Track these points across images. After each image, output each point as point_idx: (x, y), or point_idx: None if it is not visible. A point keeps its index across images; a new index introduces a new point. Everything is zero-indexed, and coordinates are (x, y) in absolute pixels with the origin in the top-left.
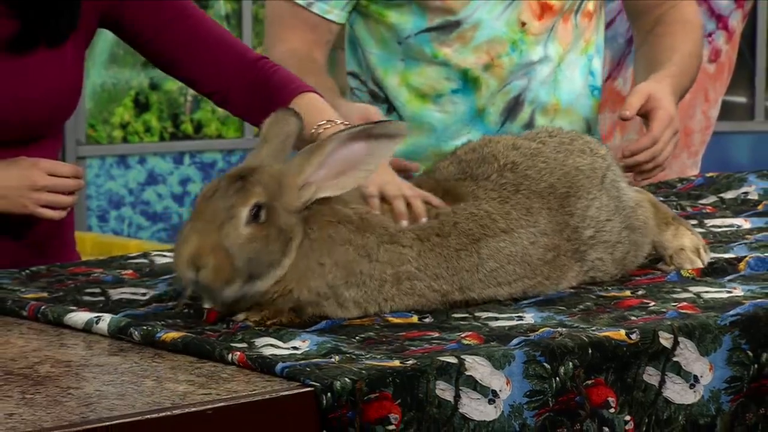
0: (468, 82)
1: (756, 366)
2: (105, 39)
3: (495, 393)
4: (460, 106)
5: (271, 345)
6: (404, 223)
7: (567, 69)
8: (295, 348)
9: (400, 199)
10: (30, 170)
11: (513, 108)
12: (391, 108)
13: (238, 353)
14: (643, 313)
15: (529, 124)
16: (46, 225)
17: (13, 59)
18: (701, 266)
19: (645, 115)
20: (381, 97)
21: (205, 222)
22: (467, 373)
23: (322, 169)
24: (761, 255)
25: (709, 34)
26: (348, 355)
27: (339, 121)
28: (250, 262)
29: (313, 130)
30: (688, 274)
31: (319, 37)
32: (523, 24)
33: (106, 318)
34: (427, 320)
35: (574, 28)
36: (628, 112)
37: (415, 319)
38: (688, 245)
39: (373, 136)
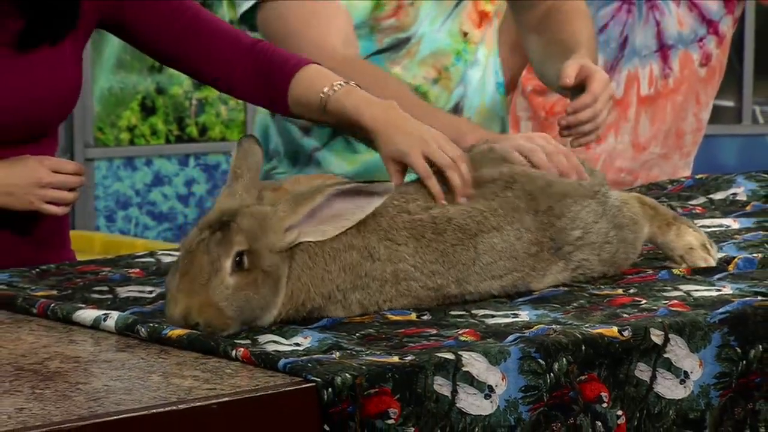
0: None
1: (744, 362)
2: (112, 44)
3: (491, 388)
4: None
5: (274, 341)
6: (464, 200)
7: (488, 70)
8: (297, 344)
9: (454, 168)
10: (36, 168)
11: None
12: None
13: (242, 349)
14: (635, 310)
15: None
16: (49, 221)
17: (20, 57)
18: (714, 263)
19: (581, 85)
20: None
21: (191, 280)
22: (464, 368)
23: (308, 218)
24: (749, 255)
25: (700, 39)
26: (348, 352)
27: (347, 83)
28: (241, 310)
29: (322, 95)
30: (678, 272)
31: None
32: (465, 34)
33: (114, 315)
34: (425, 317)
35: (494, 30)
36: (567, 80)
37: (413, 316)
38: (695, 243)
39: (362, 194)
